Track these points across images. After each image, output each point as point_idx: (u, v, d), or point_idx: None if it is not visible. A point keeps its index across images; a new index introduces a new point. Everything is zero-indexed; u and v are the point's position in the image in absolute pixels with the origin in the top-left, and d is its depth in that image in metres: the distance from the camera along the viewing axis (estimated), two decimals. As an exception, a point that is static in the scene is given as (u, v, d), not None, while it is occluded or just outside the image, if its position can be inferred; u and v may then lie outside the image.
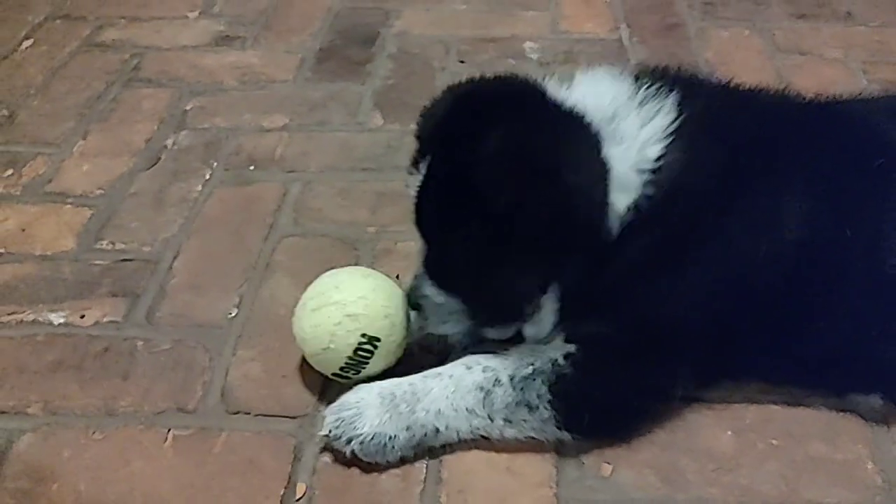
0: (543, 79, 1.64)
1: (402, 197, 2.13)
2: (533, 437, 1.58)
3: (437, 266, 1.62)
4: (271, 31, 2.99)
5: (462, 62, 2.77)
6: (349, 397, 1.59)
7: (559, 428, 1.56)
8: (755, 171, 1.54)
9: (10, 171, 2.33)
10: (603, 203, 1.47)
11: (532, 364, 1.58)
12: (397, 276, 1.87)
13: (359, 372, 1.63)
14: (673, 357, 1.57)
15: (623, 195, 1.49)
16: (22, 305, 1.91)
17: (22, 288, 1.96)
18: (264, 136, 2.46)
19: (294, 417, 1.66)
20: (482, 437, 1.58)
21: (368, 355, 1.62)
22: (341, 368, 1.63)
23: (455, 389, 1.58)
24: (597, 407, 1.56)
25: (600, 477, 1.55)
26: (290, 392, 1.70)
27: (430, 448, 1.58)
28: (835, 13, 3.02)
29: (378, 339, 1.62)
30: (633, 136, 1.52)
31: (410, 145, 2.28)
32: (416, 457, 1.58)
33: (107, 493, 1.54)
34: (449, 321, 1.66)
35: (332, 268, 1.74)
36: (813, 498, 1.51)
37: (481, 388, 1.57)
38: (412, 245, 1.99)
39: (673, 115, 1.54)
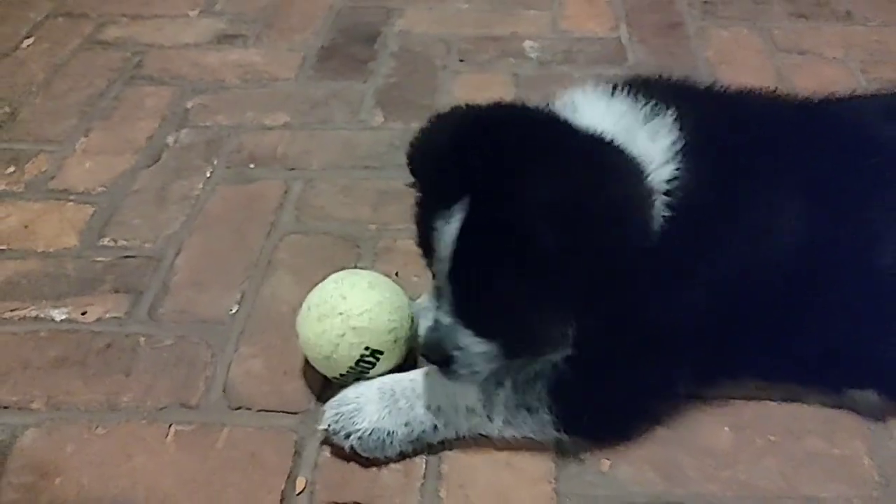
0: (546, 105, 1.58)
1: (404, 195, 2.12)
2: (532, 438, 1.59)
3: (474, 314, 1.47)
4: (273, 30, 3.00)
5: (461, 61, 2.78)
6: (349, 392, 1.61)
7: (558, 430, 1.57)
8: (758, 178, 1.53)
9: (12, 169, 2.33)
10: (650, 232, 1.41)
11: (532, 366, 1.59)
12: (396, 274, 1.88)
13: (359, 378, 1.64)
14: (673, 360, 1.58)
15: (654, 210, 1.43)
16: (25, 302, 1.92)
17: (24, 284, 1.97)
18: (266, 133, 2.46)
19: (295, 413, 1.67)
20: (482, 435, 1.59)
21: (370, 366, 1.63)
22: (341, 374, 1.64)
23: (456, 388, 1.58)
24: (596, 410, 1.56)
25: (599, 472, 1.56)
26: (292, 388, 1.72)
27: (429, 444, 1.59)
28: (834, 13, 3.02)
29: (381, 352, 1.63)
30: (648, 157, 1.45)
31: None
32: (416, 452, 1.58)
33: (109, 488, 1.55)
34: (479, 366, 1.52)
35: (339, 269, 1.76)
36: (811, 493, 1.52)
37: (483, 389, 1.58)
38: (413, 243, 1.99)
39: (676, 133, 1.49)
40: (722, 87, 1.73)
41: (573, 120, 1.50)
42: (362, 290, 1.65)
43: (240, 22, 3.04)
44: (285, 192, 2.23)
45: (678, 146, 1.48)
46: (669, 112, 1.52)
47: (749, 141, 1.56)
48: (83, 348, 1.81)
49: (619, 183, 1.40)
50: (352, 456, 1.57)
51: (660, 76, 1.70)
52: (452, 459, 1.58)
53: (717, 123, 1.58)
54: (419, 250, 1.55)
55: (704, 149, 1.50)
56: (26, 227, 2.13)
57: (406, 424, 1.57)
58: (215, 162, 2.35)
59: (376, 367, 1.64)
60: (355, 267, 1.95)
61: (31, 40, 2.95)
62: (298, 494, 1.53)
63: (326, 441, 1.60)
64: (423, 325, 1.52)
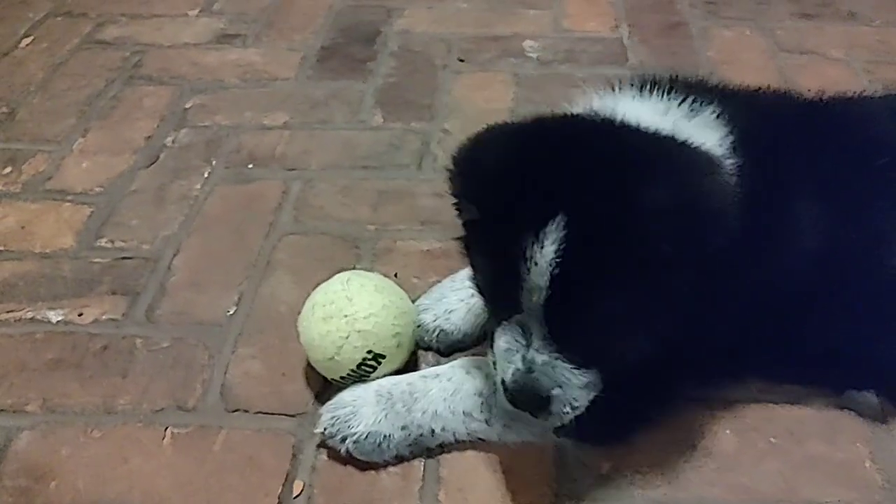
0: (589, 113, 1.52)
1: (404, 195, 2.15)
2: (532, 441, 1.58)
3: (584, 341, 1.36)
4: (273, 29, 2.99)
5: (462, 60, 2.77)
6: (345, 395, 1.59)
7: (558, 434, 1.56)
8: (789, 179, 1.50)
9: (9, 169, 2.32)
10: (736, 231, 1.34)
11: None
12: (396, 275, 1.87)
13: (360, 381, 1.63)
14: (679, 364, 1.55)
15: None
16: (21, 303, 1.91)
17: (21, 286, 1.95)
18: (265, 133, 2.45)
19: (293, 415, 1.65)
20: (480, 439, 1.58)
21: (371, 370, 1.62)
22: (342, 377, 1.62)
23: (454, 392, 1.58)
24: (597, 414, 1.49)
25: (599, 476, 1.55)
26: (290, 390, 1.70)
27: (426, 448, 1.58)
28: (838, 13, 3.01)
29: (383, 357, 1.62)
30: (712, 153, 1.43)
31: (412, 144, 2.34)
32: (413, 456, 1.57)
33: (105, 491, 1.54)
34: (582, 399, 1.41)
35: (339, 270, 1.74)
36: (813, 497, 1.51)
37: (480, 394, 1.57)
38: (412, 244, 2.01)
39: (723, 128, 1.47)
40: (740, 85, 1.71)
41: (650, 126, 1.43)
42: (369, 293, 1.64)
43: (239, 21, 3.03)
44: (284, 192, 2.22)
45: (730, 140, 1.46)
46: (710, 109, 1.51)
47: (782, 139, 1.54)
48: (79, 350, 1.79)
49: (716, 181, 1.36)
50: (349, 459, 1.56)
51: (676, 75, 1.64)
52: (451, 463, 1.57)
53: (754, 121, 1.55)
54: (469, 281, 1.52)
55: (751, 144, 1.47)
56: (23, 227, 2.12)
57: (403, 428, 1.55)
58: (214, 162, 2.34)
59: (378, 371, 1.63)
60: (354, 268, 1.93)
61: (29, 40, 2.94)
62: (296, 498, 1.52)
63: (323, 444, 1.59)
64: (509, 368, 1.38)
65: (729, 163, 1.42)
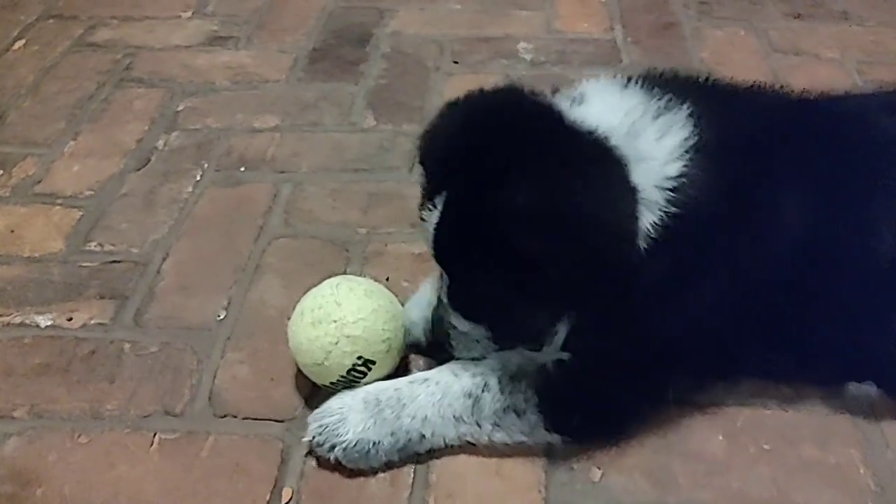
0: (552, 94, 1.58)
1: (394, 198, 2.14)
2: (522, 441, 1.57)
3: (461, 299, 1.56)
4: (264, 31, 2.98)
5: (455, 62, 2.75)
6: (332, 403, 1.59)
7: (548, 430, 1.56)
8: (768, 174, 1.52)
9: (-1, 172, 2.32)
10: (635, 232, 1.41)
11: (519, 367, 1.58)
12: (387, 279, 1.86)
13: (350, 387, 1.62)
14: (667, 361, 1.56)
15: (647, 215, 1.42)
16: (9, 307, 1.90)
17: (9, 290, 1.95)
18: (256, 136, 2.44)
19: (282, 421, 1.64)
20: (470, 443, 1.58)
21: (361, 375, 1.61)
22: (332, 383, 1.61)
23: (442, 396, 1.57)
24: (586, 408, 1.55)
25: (590, 481, 1.54)
26: (279, 395, 1.69)
27: (415, 454, 1.57)
28: (830, 13, 3.01)
29: (373, 362, 1.61)
30: (652, 152, 1.45)
31: (403, 146, 2.32)
32: (402, 463, 1.57)
33: (92, 498, 1.53)
34: (474, 348, 1.62)
35: (329, 274, 1.74)
36: (805, 501, 1.50)
37: (469, 395, 1.56)
38: (403, 247, 2.00)
39: (689, 128, 1.48)
40: (737, 83, 1.71)
41: (574, 112, 1.50)
42: (358, 298, 1.62)
43: (231, 23, 3.02)
44: (274, 195, 2.21)
45: (690, 142, 1.47)
46: (685, 107, 1.51)
47: (762, 138, 1.55)
48: (67, 355, 1.78)
49: (599, 182, 1.41)
50: (341, 464, 1.54)
51: (676, 71, 1.67)
52: (441, 468, 1.56)
53: (736, 122, 1.57)
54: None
55: (719, 145, 1.49)
56: (12, 231, 2.11)
57: (392, 434, 1.55)
58: (205, 165, 2.33)
59: (368, 377, 1.62)
60: (345, 272, 1.93)
61: (21, 43, 2.93)
62: (285, 504, 1.52)
63: (311, 453, 1.58)
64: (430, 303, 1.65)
65: (672, 166, 1.45)
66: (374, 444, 1.53)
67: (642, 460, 1.57)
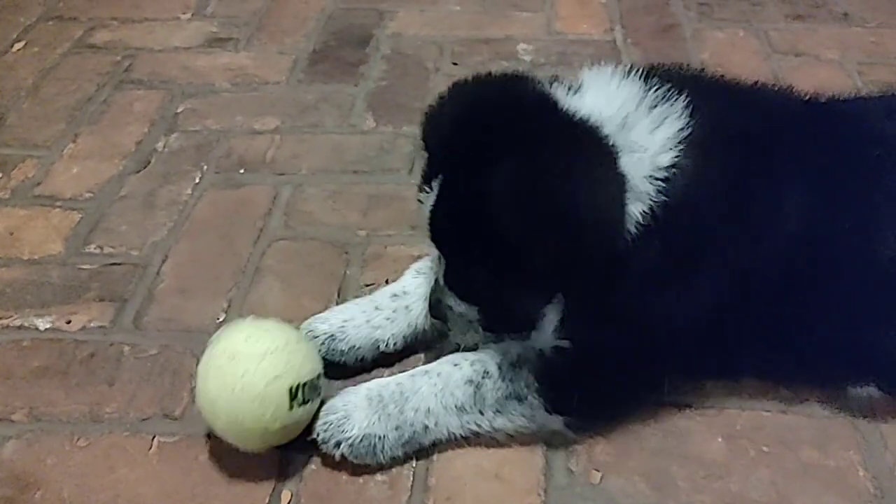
0: (550, 83, 1.59)
1: (394, 200, 2.14)
2: (524, 427, 1.58)
3: (456, 280, 1.58)
4: (264, 33, 2.98)
5: (455, 64, 2.75)
6: (336, 401, 1.58)
7: (549, 412, 1.56)
8: (764, 169, 1.53)
9: (-1, 174, 2.32)
10: (621, 221, 1.43)
11: (519, 355, 1.59)
12: (386, 281, 1.86)
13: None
14: (662, 353, 1.57)
15: (637, 204, 1.45)
16: (8, 310, 1.90)
17: (8, 293, 1.94)
18: (256, 138, 2.44)
19: (281, 424, 1.64)
20: (473, 432, 1.58)
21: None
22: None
23: (444, 386, 1.57)
24: (584, 390, 1.56)
25: (589, 484, 1.54)
26: (278, 398, 1.68)
27: (420, 446, 1.57)
28: (831, 14, 3.00)
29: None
30: (644, 143, 1.48)
31: (403, 148, 2.32)
32: (407, 457, 1.57)
33: (91, 501, 1.52)
34: (470, 330, 1.63)
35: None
36: (805, 505, 1.50)
37: (470, 382, 1.57)
38: (403, 249, 2.00)
39: (684, 120, 1.50)
40: (740, 81, 1.72)
41: (570, 101, 1.52)
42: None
43: (231, 25, 3.02)
44: (274, 197, 2.21)
45: (684, 134, 1.48)
46: (682, 99, 1.52)
47: (758, 133, 1.56)
48: (66, 358, 1.78)
49: (586, 169, 1.43)
50: (340, 467, 1.55)
51: (679, 65, 1.70)
52: (440, 471, 1.56)
53: (732, 117, 1.58)
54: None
55: (713, 138, 1.51)
56: (11, 233, 2.11)
57: (396, 428, 1.55)
58: (204, 167, 2.33)
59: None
60: (345, 274, 1.95)
61: (20, 44, 2.92)
62: (283, 508, 1.51)
63: (314, 452, 1.57)
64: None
65: (664, 156, 1.47)
66: (379, 438, 1.53)
67: (642, 463, 1.56)
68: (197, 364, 1.59)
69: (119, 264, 2.01)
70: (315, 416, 1.56)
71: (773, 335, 1.57)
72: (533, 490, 1.53)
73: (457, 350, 1.65)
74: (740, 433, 1.61)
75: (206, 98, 2.62)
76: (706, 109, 1.52)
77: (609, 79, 1.58)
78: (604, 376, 1.56)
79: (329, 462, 1.56)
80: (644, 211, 1.45)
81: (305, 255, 2.03)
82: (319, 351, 1.66)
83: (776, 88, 1.75)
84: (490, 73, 1.65)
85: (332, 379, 1.65)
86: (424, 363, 1.70)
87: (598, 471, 1.55)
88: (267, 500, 1.51)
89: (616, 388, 1.59)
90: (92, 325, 1.86)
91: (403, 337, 1.75)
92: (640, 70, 1.60)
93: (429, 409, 1.56)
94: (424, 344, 1.77)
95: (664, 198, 1.45)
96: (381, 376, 1.67)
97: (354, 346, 1.72)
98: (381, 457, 1.55)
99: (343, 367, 1.72)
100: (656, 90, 1.53)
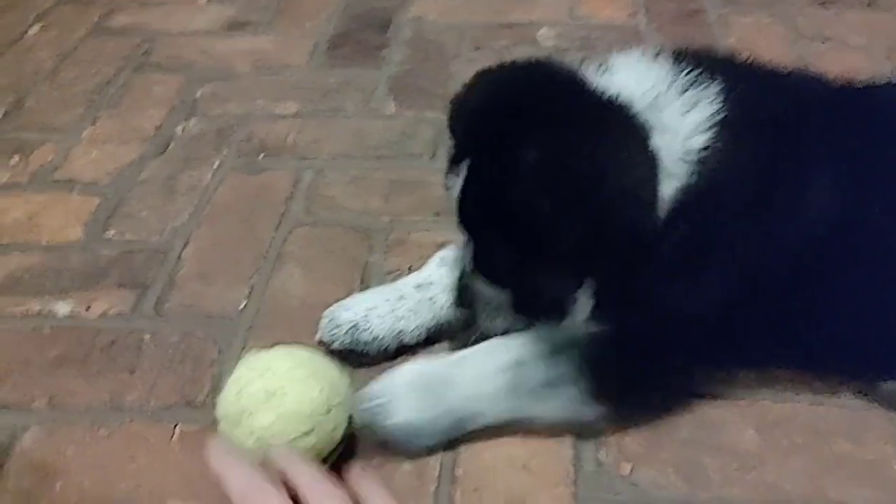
0: (580, 64, 1.56)
1: (417, 185, 2.11)
2: (563, 415, 1.55)
3: (484, 263, 1.55)
4: (284, 16, 2.96)
5: (477, 49, 2.72)
6: (376, 387, 1.55)
7: (591, 400, 1.53)
8: (797, 155, 1.50)
9: (17, 159, 2.30)
10: (652, 202, 1.41)
11: (557, 342, 1.56)
12: (409, 268, 1.84)
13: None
14: (694, 339, 1.53)
15: (668, 183, 1.42)
16: (27, 297, 1.88)
17: (27, 279, 1.92)
18: (276, 122, 2.42)
19: (304, 412, 1.62)
20: (513, 420, 1.55)
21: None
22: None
23: (483, 373, 1.55)
24: (623, 378, 1.55)
25: (620, 476, 1.51)
26: (301, 386, 1.66)
27: (460, 433, 1.55)
28: (858, -1, 2.97)
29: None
30: (676, 125, 1.44)
31: (425, 133, 2.29)
32: (450, 444, 1.55)
33: (112, 491, 1.50)
34: (499, 317, 1.62)
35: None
36: (838, 497, 1.47)
37: (509, 369, 1.54)
38: (426, 235, 1.97)
39: (717, 105, 1.46)
40: (770, 65, 1.69)
41: (599, 80, 1.49)
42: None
43: (250, 9, 3.00)
44: (295, 182, 2.18)
45: (718, 118, 1.45)
46: (715, 83, 1.49)
47: (791, 118, 1.52)
48: (86, 345, 1.76)
49: (615, 147, 1.41)
50: (366, 455, 1.53)
51: (710, 49, 1.67)
52: (467, 462, 1.53)
53: (766, 102, 1.55)
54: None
55: (747, 123, 1.48)
56: (30, 219, 2.09)
57: (437, 415, 1.53)
58: (225, 152, 2.31)
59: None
60: (367, 261, 1.92)
61: (38, 28, 2.92)
62: (307, 498, 1.49)
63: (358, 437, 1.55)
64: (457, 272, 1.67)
65: (696, 139, 1.44)
66: (420, 424, 1.52)
67: (673, 454, 1.54)
68: (219, 351, 1.57)
69: (139, 250, 1.99)
70: None
71: (802, 324, 1.54)
72: (562, 481, 1.50)
73: (485, 338, 1.62)
74: (773, 424, 1.58)
75: (225, 82, 2.60)
76: (739, 94, 1.49)
77: (639, 60, 1.55)
78: (640, 366, 1.54)
79: (353, 450, 1.53)
80: (675, 193, 1.42)
81: (327, 240, 2.00)
82: (343, 342, 1.67)
83: (809, 74, 1.73)
84: (515, 61, 1.61)
85: (354, 367, 1.64)
86: (448, 353, 1.68)
87: (628, 462, 1.53)
88: (291, 490, 1.49)
89: (655, 375, 1.57)
90: (112, 311, 1.84)
91: (427, 329, 1.72)
92: (671, 52, 1.57)
93: (468, 395, 1.54)
94: (448, 335, 1.74)
95: (695, 180, 1.43)
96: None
97: (378, 337, 1.69)
98: (423, 442, 1.53)
99: (364, 356, 1.69)
100: (688, 73, 1.50)
